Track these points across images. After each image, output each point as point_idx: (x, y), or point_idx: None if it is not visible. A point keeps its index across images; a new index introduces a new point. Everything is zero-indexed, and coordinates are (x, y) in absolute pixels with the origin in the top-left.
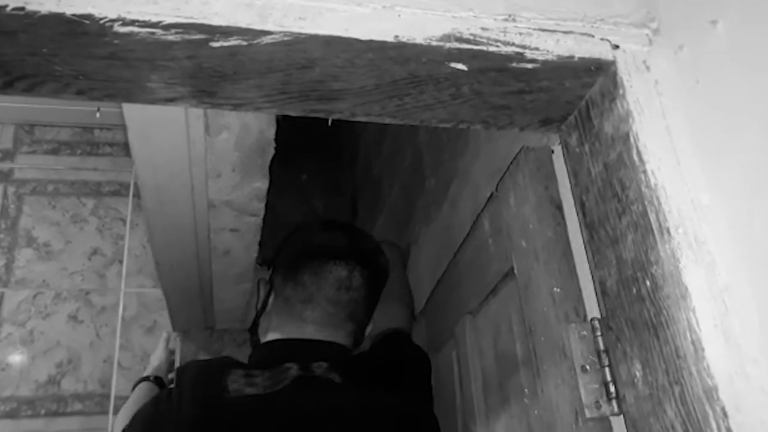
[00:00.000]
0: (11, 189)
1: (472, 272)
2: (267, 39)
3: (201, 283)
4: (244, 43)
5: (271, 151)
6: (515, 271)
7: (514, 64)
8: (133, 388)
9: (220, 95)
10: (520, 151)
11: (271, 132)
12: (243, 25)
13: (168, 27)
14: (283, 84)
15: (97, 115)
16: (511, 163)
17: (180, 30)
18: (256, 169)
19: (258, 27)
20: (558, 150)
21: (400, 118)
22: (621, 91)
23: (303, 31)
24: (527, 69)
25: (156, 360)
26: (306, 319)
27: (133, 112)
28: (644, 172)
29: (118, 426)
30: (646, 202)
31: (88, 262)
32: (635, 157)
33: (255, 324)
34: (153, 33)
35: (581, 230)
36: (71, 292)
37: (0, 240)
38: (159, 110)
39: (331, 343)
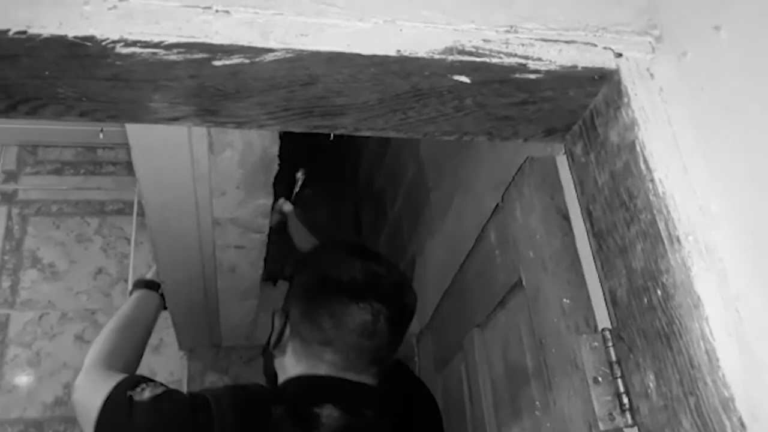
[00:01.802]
0: (15, 210)
1: (479, 284)
2: (269, 56)
3: (207, 300)
4: (247, 61)
5: (275, 168)
6: (523, 283)
7: (516, 75)
8: (132, 291)
9: (223, 113)
10: (524, 161)
11: (275, 149)
12: (245, 43)
13: (170, 47)
14: (286, 101)
15: (101, 135)
16: (516, 173)
17: (182, 49)
18: (260, 186)
19: (260, 45)
20: (563, 159)
21: (404, 131)
22: (626, 100)
23: (305, 47)
24: (530, 80)
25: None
26: (326, 360)
27: (136, 132)
28: (652, 180)
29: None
30: (654, 211)
31: (93, 281)
32: (642, 166)
33: (269, 354)
34: (155, 53)
35: (589, 240)
36: (77, 312)
37: (5, 261)
38: (162, 129)
39: (366, 386)
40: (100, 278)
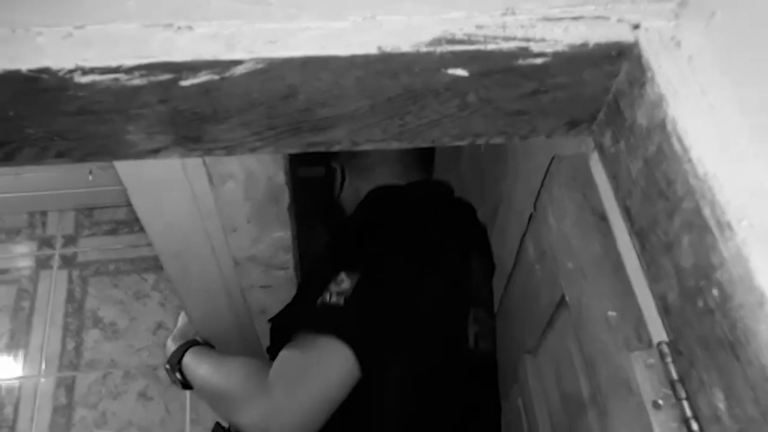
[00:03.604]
0: (75, 273)
1: (525, 305)
2: (239, 69)
3: (247, 345)
4: (216, 77)
5: (286, 198)
6: (566, 298)
7: (519, 62)
8: (180, 357)
9: (205, 139)
10: (551, 161)
11: (281, 177)
12: (209, 57)
13: (130, 70)
14: (270, 118)
15: (90, 177)
16: (545, 175)
17: (144, 71)
18: (272, 217)
19: (226, 57)
20: (596, 156)
21: (407, 140)
22: (649, 74)
23: (275, 54)
24: (536, 65)
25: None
26: (381, 174)
27: (128, 174)
28: (689, 161)
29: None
30: (697, 196)
31: (153, 337)
32: (676, 146)
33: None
34: (116, 79)
35: (631, 240)
36: (139, 369)
37: (68, 324)
38: (154, 166)
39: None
40: (160, 333)
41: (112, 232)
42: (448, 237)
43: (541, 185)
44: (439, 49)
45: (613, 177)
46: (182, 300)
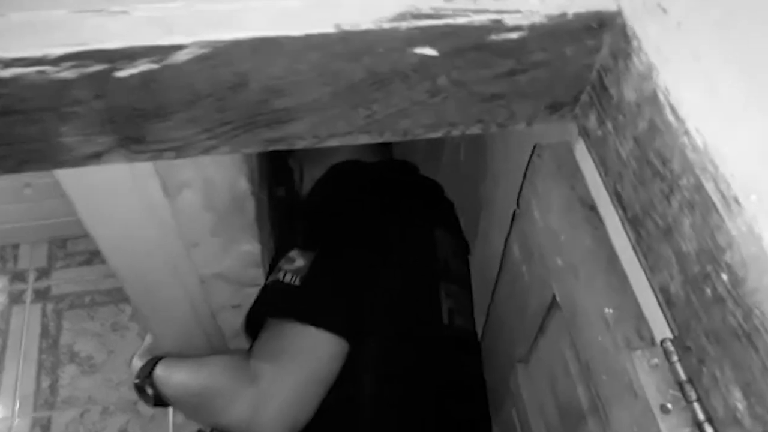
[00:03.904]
0: (50, 306)
1: (513, 311)
2: (181, 55)
3: None
4: (155, 65)
5: (252, 208)
6: (557, 299)
7: (493, 37)
8: (151, 370)
9: (150, 139)
10: (532, 152)
11: (243, 184)
12: (147, 42)
13: (57, 61)
14: (220, 112)
15: (27, 191)
16: (527, 168)
17: (74, 62)
18: (239, 230)
19: (165, 42)
20: (581, 146)
21: (377, 132)
22: (635, 43)
23: (220, 37)
24: (512, 40)
25: (148, 339)
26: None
27: (71, 183)
28: (686, 132)
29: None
30: (697, 171)
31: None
32: (670, 118)
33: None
34: (43, 71)
35: (625, 229)
36: (119, 404)
37: (43, 360)
38: (98, 174)
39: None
40: None
41: (87, 262)
42: (408, 210)
43: (523, 179)
44: (404, 25)
45: (602, 162)
46: (148, 324)
